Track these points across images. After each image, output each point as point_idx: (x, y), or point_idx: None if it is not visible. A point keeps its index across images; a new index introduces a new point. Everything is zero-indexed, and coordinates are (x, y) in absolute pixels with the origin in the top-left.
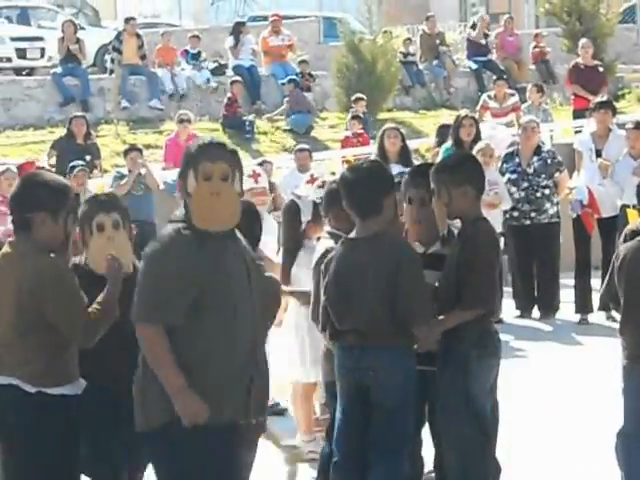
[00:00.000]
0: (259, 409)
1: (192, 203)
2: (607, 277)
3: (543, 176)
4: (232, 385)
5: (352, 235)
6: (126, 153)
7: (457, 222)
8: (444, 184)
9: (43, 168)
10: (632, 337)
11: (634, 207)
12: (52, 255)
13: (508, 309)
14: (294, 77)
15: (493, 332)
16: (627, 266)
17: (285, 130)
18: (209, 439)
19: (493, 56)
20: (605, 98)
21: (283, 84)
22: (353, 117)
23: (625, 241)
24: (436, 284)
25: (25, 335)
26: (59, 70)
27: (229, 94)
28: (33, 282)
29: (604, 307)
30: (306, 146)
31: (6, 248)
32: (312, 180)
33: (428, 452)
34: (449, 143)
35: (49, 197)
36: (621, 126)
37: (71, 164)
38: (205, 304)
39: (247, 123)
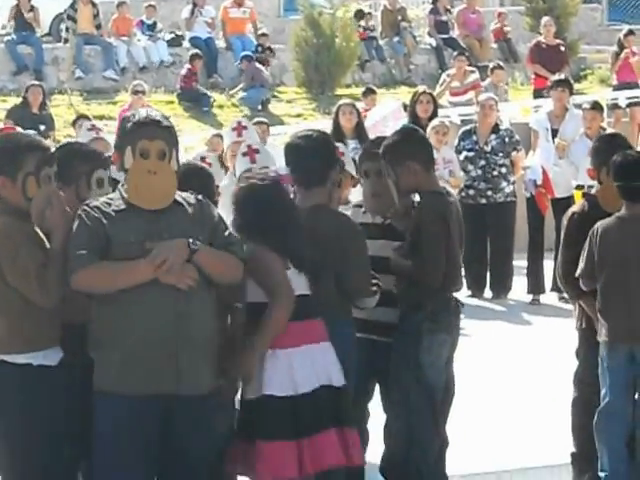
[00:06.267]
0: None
1: (128, 179)
2: (584, 255)
3: (500, 154)
4: (151, 356)
5: None
6: (74, 122)
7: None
8: (388, 163)
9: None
10: (615, 316)
11: (579, 187)
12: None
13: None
14: (248, 53)
15: (451, 307)
16: (612, 245)
17: (242, 104)
18: (133, 410)
19: (455, 33)
20: (563, 76)
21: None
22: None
23: (570, 222)
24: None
25: None
26: (13, 38)
27: (188, 66)
28: None
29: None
30: (264, 120)
31: None
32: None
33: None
34: (406, 120)
35: (5, 160)
36: (580, 107)
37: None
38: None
39: (204, 96)
